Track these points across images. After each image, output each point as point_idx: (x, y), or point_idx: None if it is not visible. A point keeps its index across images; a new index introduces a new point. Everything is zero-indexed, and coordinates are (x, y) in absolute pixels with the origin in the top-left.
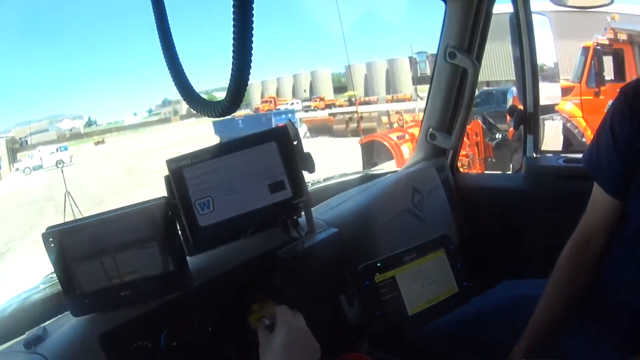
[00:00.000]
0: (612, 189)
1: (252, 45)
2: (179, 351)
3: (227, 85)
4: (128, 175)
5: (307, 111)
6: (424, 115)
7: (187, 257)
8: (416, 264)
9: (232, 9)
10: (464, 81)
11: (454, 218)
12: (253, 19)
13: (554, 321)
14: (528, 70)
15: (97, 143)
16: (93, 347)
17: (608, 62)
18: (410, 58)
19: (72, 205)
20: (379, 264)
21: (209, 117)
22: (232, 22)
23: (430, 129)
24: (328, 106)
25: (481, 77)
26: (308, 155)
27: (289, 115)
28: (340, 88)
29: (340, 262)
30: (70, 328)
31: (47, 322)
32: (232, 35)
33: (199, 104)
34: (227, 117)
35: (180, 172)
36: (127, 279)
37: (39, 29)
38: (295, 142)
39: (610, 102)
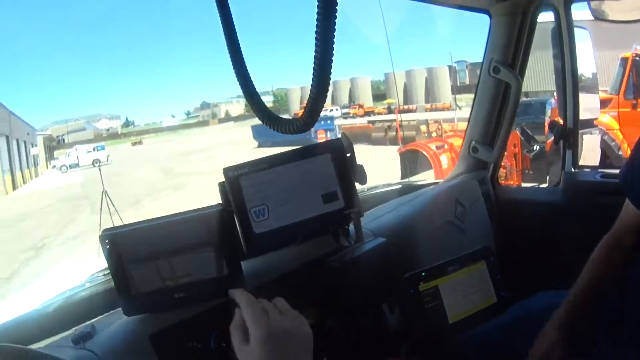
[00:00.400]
0: None
1: (332, 70)
2: (227, 352)
3: (265, 90)
4: (165, 177)
5: (346, 118)
6: (467, 127)
7: (242, 262)
8: (458, 275)
9: (315, 41)
10: (507, 95)
11: (494, 230)
12: (334, 47)
13: (583, 304)
14: (569, 84)
15: (134, 143)
16: (144, 346)
17: None
18: (450, 67)
19: (108, 204)
20: (423, 274)
21: (287, 133)
22: (315, 49)
23: (473, 142)
24: (367, 113)
25: None
26: (360, 167)
27: (328, 121)
28: (379, 95)
29: (385, 270)
30: (121, 326)
31: (95, 320)
32: (314, 61)
33: (278, 123)
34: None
35: (237, 180)
36: (181, 282)
37: (79, 28)
38: (348, 154)
39: None
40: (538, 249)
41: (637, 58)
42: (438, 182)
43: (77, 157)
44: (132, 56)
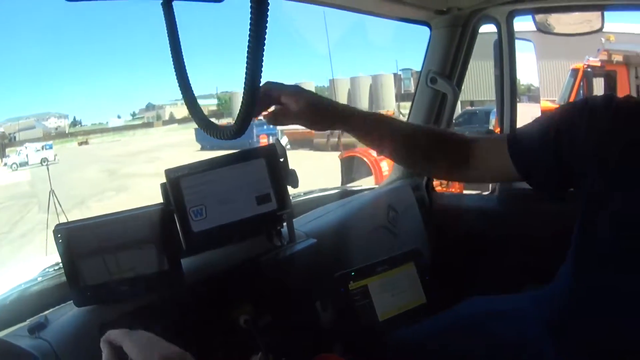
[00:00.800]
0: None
1: (260, 82)
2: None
3: (209, 94)
4: (109, 178)
5: None
6: None
7: (181, 259)
8: (387, 275)
9: (247, 54)
10: (443, 106)
11: (428, 235)
12: (263, 60)
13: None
14: (507, 96)
15: (80, 143)
16: (94, 335)
17: (598, 84)
18: (395, 74)
19: (55, 204)
20: (352, 273)
21: (220, 139)
22: (246, 61)
23: None
24: None
25: (465, 97)
26: (293, 171)
27: (271, 126)
28: None
29: (317, 270)
30: (73, 317)
31: (48, 311)
32: (245, 72)
33: (213, 129)
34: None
35: (177, 181)
36: (126, 275)
37: (31, 26)
38: (282, 159)
39: None
40: (473, 254)
41: (589, 70)
42: (373, 188)
43: (27, 155)
44: (81, 55)
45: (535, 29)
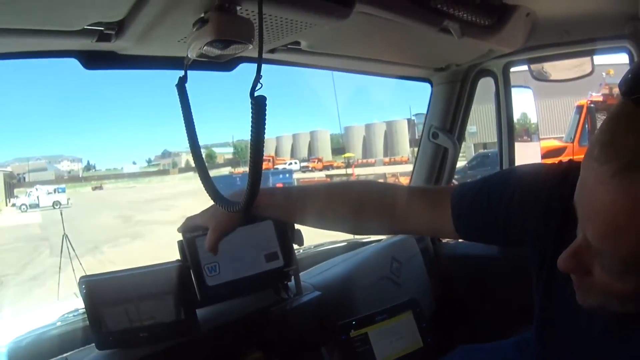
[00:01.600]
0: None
1: (263, 163)
2: None
3: (225, 142)
4: (124, 224)
5: (304, 171)
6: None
7: (197, 309)
8: (387, 323)
9: (250, 141)
10: (444, 159)
11: (432, 284)
12: (264, 146)
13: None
14: (505, 141)
15: (94, 188)
16: None
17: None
18: (409, 120)
19: (69, 248)
20: (354, 322)
21: (230, 212)
22: (250, 151)
23: None
24: (326, 167)
25: (478, 139)
26: (298, 231)
27: (287, 175)
28: (339, 149)
29: (322, 319)
30: (94, 358)
31: (69, 353)
32: (249, 157)
33: (223, 202)
34: (225, 174)
35: (193, 240)
36: (146, 323)
37: (48, 68)
38: None
39: None
40: (474, 300)
41: (592, 105)
42: (380, 240)
43: (38, 197)
44: (97, 100)
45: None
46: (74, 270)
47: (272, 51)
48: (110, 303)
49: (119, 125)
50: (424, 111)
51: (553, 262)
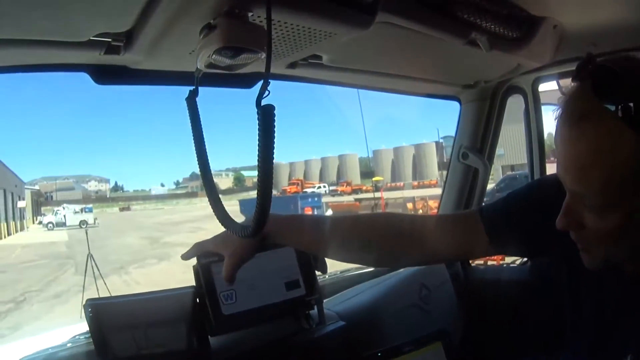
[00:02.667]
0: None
1: (272, 185)
2: None
3: (254, 165)
4: (151, 246)
5: (333, 195)
6: (438, 210)
7: (210, 337)
8: (414, 355)
9: (258, 161)
10: (475, 180)
11: (462, 310)
12: (273, 168)
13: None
14: (536, 161)
15: (122, 209)
16: None
17: None
18: (437, 143)
19: (93, 267)
20: (379, 354)
21: (238, 236)
22: (258, 168)
23: None
24: (355, 191)
25: (506, 161)
26: (322, 258)
27: (315, 199)
28: (367, 173)
29: (346, 350)
30: None
31: None
32: (258, 176)
33: (232, 226)
34: (254, 198)
35: (208, 266)
36: (155, 351)
37: (77, 88)
38: None
39: None
40: (505, 328)
41: None
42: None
43: (65, 216)
44: (126, 122)
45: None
46: (97, 289)
47: (292, 66)
48: (117, 328)
49: (148, 146)
50: (452, 133)
51: (579, 271)
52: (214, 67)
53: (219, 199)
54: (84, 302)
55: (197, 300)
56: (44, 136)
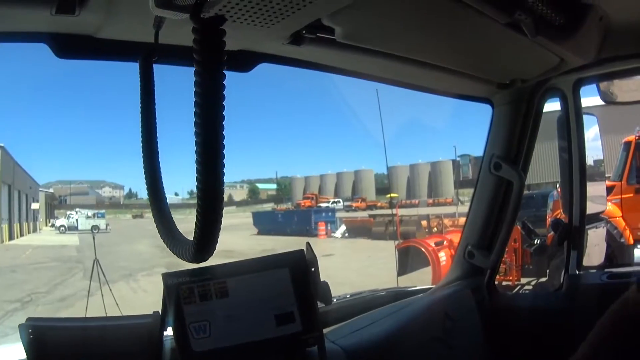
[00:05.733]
0: None
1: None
2: None
3: (269, 178)
4: (161, 254)
5: (347, 211)
6: (463, 229)
7: None
8: None
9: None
10: (508, 195)
11: (487, 341)
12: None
13: None
14: (576, 178)
15: (135, 216)
16: None
17: None
18: (454, 161)
19: (99, 273)
20: None
21: (180, 258)
22: (197, 142)
23: (469, 247)
24: (369, 207)
25: None
26: (325, 284)
27: (330, 214)
28: (383, 189)
29: None
30: None
31: None
32: (197, 159)
33: (175, 245)
34: (267, 211)
35: (176, 289)
36: None
37: (95, 95)
38: (312, 269)
39: None
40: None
41: None
42: (429, 289)
43: (77, 220)
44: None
45: (594, 103)
46: (102, 295)
47: (297, 40)
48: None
49: (164, 154)
50: (468, 152)
51: None
52: (169, 7)
53: (164, 200)
54: (87, 306)
55: (159, 333)
56: (61, 139)
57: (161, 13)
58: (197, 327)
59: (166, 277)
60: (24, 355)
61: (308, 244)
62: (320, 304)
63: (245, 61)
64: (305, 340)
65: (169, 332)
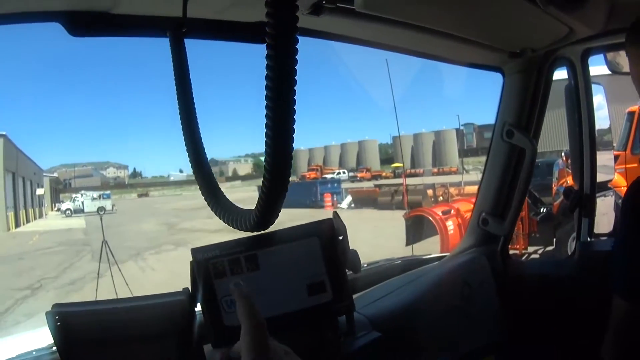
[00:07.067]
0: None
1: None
2: None
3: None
4: (168, 231)
5: (352, 181)
6: (476, 197)
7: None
8: None
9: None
10: (520, 162)
11: (504, 309)
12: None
13: None
14: (586, 147)
15: (140, 195)
16: None
17: None
18: (457, 130)
19: (108, 254)
20: None
21: (238, 229)
22: (268, 119)
23: (483, 214)
24: (374, 177)
25: None
26: (354, 253)
27: (335, 185)
28: (387, 159)
29: None
30: None
31: None
32: (266, 148)
33: (232, 218)
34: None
35: (206, 264)
36: None
37: (96, 76)
38: (341, 238)
39: None
40: (553, 327)
41: None
42: (444, 257)
43: (82, 202)
44: (143, 107)
45: (601, 72)
46: (112, 276)
47: (316, 11)
48: (90, 343)
49: (166, 131)
50: (472, 121)
51: None
52: None
53: (211, 174)
54: (97, 288)
55: (191, 309)
56: (63, 123)
57: None
58: (229, 300)
59: (195, 252)
60: (45, 343)
61: (335, 212)
62: (349, 273)
63: (262, 32)
64: (337, 309)
65: (197, 307)
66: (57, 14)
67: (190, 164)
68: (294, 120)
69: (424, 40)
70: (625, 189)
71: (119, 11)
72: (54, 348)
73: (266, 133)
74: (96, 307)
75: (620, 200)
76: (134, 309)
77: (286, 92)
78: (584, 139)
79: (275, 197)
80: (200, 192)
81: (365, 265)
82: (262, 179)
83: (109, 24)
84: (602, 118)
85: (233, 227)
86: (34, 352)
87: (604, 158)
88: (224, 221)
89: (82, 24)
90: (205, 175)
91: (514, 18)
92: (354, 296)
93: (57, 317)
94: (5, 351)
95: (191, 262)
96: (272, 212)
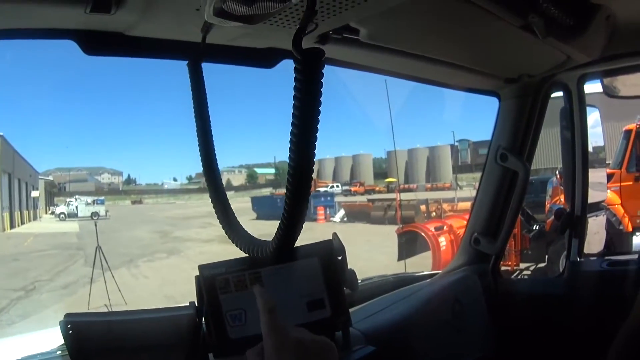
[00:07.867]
0: None
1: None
2: None
3: (267, 162)
4: (161, 239)
5: (346, 195)
6: (469, 217)
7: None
8: None
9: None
10: (513, 184)
11: (494, 326)
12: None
13: None
14: (578, 169)
15: (134, 202)
16: None
17: None
18: (452, 146)
19: (101, 260)
20: None
21: (257, 258)
22: (292, 153)
23: (475, 234)
24: (367, 191)
25: None
26: (351, 272)
27: (328, 198)
28: (381, 174)
29: None
30: None
31: None
32: (288, 178)
33: (252, 248)
34: (266, 195)
35: (212, 280)
36: None
37: (94, 83)
38: (340, 258)
39: None
40: (541, 345)
41: None
42: (436, 274)
43: (76, 207)
44: (139, 115)
45: (595, 90)
46: (105, 281)
47: (323, 40)
48: (102, 352)
49: (161, 140)
50: (467, 137)
51: None
52: (224, 17)
53: (227, 200)
54: (89, 298)
55: (197, 322)
56: (59, 127)
57: (218, 22)
58: (233, 315)
59: (202, 268)
60: (45, 344)
61: (335, 234)
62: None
63: (271, 58)
64: (335, 324)
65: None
66: (72, 32)
67: (208, 191)
68: (314, 150)
69: (423, 68)
70: (619, 206)
71: (133, 33)
72: (59, 352)
73: (289, 163)
74: (107, 317)
75: (614, 218)
76: (144, 321)
77: (312, 119)
78: (577, 162)
79: (293, 229)
80: (218, 219)
81: (359, 282)
82: (254, 189)
83: (123, 44)
84: (596, 135)
85: (255, 256)
86: (37, 356)
87: (597, 176)
88: (248, 254)
89: (96, 43)
90: (221, 200)
91: (512, 47)
92: (350, 311)
93: (69, 326)
94: (5, 351)
95: (197, 277)
96: (288, 242)
